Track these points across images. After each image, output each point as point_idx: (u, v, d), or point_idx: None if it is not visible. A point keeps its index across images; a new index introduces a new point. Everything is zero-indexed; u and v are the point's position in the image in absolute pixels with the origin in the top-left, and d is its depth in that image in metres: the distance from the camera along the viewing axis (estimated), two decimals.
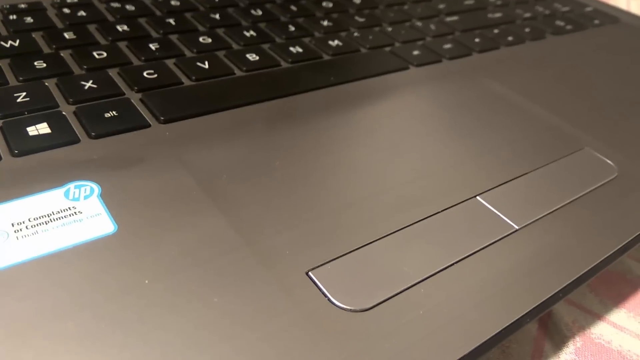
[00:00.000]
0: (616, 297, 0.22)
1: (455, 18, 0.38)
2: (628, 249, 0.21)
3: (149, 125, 0.22)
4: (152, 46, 0.28)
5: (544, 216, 0.21)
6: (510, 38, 0.36)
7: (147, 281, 0.16)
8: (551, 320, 0.21)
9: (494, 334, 0.16)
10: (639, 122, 0.28)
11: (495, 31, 0.36)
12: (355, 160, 0.22)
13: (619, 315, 0.21)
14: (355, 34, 0.33)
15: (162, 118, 0.22)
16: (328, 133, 0.24)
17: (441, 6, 0.40)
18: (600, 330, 0.21)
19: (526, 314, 0.17)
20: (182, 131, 0.22)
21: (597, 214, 0.22)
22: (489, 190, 0.22)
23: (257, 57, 0.28)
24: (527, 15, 0.41)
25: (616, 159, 0.25)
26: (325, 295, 0.16)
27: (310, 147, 0.23)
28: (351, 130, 0.24)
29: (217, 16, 0.32)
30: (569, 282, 0.19)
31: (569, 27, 0.39)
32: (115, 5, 0.31)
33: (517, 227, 0.20)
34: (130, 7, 0.31)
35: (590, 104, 0.29)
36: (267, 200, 0.19)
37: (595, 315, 0.21)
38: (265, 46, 0.30)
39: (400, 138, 0.24)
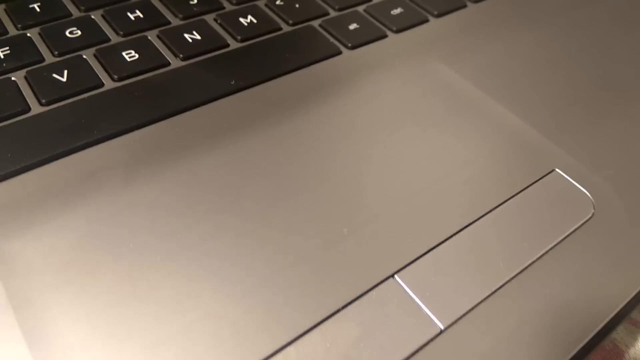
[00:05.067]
0: None
1: None
2: (603, 337, 0.16)
3: None
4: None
5: (484, 300, 0.16)
6: None
7: None
8: None
9: None
10: (624, 120, 0.22)
11: None
12: (234, 239, 0.17)
13: None
14: (278, 2, 0.26)
15: None
16: (209, 179, 0.18)
17: None
18: None
19: None
20: None
21: (560, 290, 0.16)
22: (413, 261, 0.16)
23: (137, 56, 0.22)
24: None
25: (592, 184, 0.19)
26: None
27: (180, 207, 0.17)
28: (237, 175, 0.18)
29: None
30: None
31: None
32: None
33: (442, 328, 0.15)
34: None
35: (569, 94, 0.23)
36: (86, 323, 0.14)
37: None
38: (153, 34, 0.23)
39: (308, 175, 0.18)
